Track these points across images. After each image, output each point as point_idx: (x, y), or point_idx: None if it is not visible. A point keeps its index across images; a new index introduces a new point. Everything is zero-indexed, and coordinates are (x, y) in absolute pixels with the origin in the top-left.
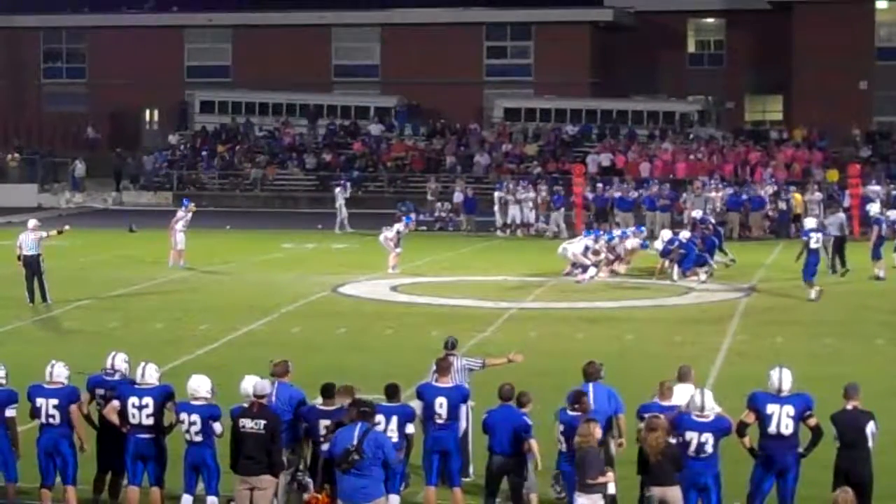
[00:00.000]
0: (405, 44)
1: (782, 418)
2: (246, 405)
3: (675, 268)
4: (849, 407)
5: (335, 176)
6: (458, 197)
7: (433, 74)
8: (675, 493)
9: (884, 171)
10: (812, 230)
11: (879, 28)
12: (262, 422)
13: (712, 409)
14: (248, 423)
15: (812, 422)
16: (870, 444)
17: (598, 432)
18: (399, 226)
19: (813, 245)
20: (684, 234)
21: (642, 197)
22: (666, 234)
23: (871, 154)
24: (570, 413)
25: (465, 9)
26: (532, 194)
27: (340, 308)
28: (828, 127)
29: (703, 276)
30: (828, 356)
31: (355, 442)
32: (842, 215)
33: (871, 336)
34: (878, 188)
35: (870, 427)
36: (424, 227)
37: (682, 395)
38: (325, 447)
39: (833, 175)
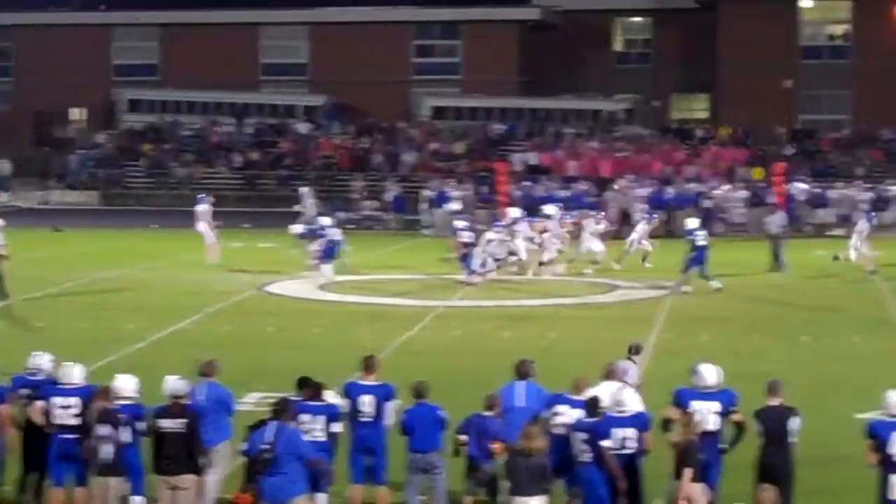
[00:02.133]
0: (333, 42)
1: (707, 415)
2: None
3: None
4: (772, 403)
5: (263, 174)
6: (389, 195)
7: (361, 73)
8: (695, 490)
9: (808, 169)
10: (695, 230)
11: (804, 27)
12: (182, 421)
13: (631, 405)
14: (167, 423)
15: (737, 418)
16: (791, 439)
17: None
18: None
19: (700, 242)
20: (325, 220)
21: (569, 195)
22: (515, 211)
23: (796, 152)
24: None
25: (393, 7)
26: (459, 192)
27: (268, 307)
28: (753, 125)
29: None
30: (753, 354)
31: (270, 441)
32: (782, 214)
33: (796, 333)
34: (805, 186)
35: (792, 423)
36: (353, 226)
37: (608, 393)
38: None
39: (758, 173)
